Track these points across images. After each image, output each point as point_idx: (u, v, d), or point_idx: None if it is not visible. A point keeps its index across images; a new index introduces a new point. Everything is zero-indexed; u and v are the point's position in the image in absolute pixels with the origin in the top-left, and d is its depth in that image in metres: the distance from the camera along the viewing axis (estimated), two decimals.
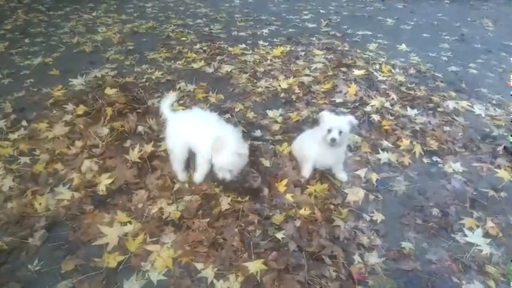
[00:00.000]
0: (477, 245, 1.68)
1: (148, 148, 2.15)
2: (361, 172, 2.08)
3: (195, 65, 3.14)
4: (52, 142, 2.21)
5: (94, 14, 4.25)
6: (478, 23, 4.30)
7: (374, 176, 2.05)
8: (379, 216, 1.82)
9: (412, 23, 4.28)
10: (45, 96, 2.68)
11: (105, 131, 2.29)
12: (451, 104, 2.68)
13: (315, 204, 1.86)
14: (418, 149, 2.25)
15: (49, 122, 2.38)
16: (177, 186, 1.94)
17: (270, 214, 1.80)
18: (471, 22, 4.34)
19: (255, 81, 2.96)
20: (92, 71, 3.03)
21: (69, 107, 2.51)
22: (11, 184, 1.93)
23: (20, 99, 2.67)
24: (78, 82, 2.85)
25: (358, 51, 3.48)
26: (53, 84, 2.80)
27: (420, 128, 2.43)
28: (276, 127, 2.44)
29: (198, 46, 3.48)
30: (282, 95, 2.80)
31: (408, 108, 2.62)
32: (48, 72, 3.01)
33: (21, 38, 3.62)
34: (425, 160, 2.20)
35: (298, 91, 2.84)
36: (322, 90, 2.83)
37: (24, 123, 2.38)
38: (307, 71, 3.09)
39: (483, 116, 2.60)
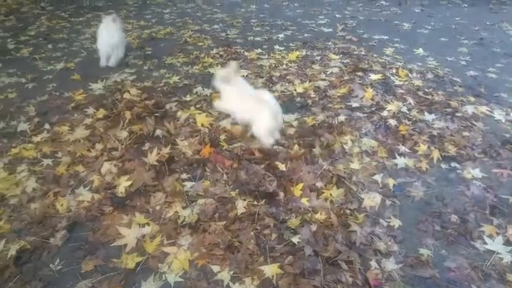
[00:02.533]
0: (497, 253, 1.65)
1: (166, 151, 2.19)
2: (378, 177, 2.07)
3: (211, 70, 3.17)
4: (73, 145, 2.27)
5: None
6: (497, 27, 4.22)
7: (391, 181, 2.04)
8: (396, 222, 1.80)
9: (430, 27, 4.23)
10: (67, 100, 2.76)
11: (124, 134, 2.34)
12: (469, 109, 2.64)
13: (331, 208, 1.86)
14: (435, 154, 2.23)
15: (70, 125, 2.45)
16: (190, 190, 1.96)
17: (286, 218, 1.81)
18: (490, 26, 4.26)
19: (271, 85, 2.97)
20: (112, 75, 3.09)
21: (90, 110, 2.58)
22: (34, 185, 1.98)
23: (43, 103, 2.74)
24: (98, 86, 2.92)
25: (374, 55, 3.47)
26: (75, 89, 2.88)
27: (438, 133, 2.40)
28: (291, 131, 2.45)
29: (214, 51, 3.52)
30: (298, 99, 2.80)
31: (426, 113, 2.60)
32: (70, 77, 3.09)
33: (45, 43, 3.73)
34: (443, 166, 2.17)
35: (314, 95, 2.84)
36: (338, 94, 2.83)
37: (47, 126, 2.45)
38: (323, 76, 3.09)
39: (503, 121, 2.55)
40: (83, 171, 2.09)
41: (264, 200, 1.88)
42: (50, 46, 3.67)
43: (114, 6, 4.78)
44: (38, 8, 4.70)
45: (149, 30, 4.03)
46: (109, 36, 3.20)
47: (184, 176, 2.05)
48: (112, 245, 1.67)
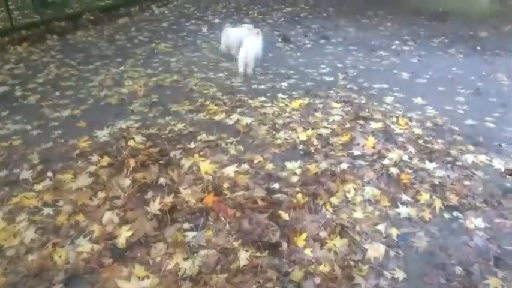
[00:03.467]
0: None
1: (169, 200, 2.19)
2: (381, 227, 2.06)
3: (216, 117, 3.23)
4: (76, 193, 2.28)
5: (121, 68, 4.48)
6: (493, 77, 4.34)
7: (394, 231, 2.02)
8: (400, 274, 1.77)
9: (427, 77, 4.35)
10: (71, 147, 2.79)
11: (128, 182, 2.35)
12: (469, 158, 2.67)
13: (335, 260, 1.84)
14: (438, 203, 2.22)
15: (74, 173, 2.46)
16: (192, 240, 1.94)
17: (289, 270, 1.78)
18: (486, 76, 4.37)
19: (274, 133, 3.02)
20: (117, 122, 3.15)
21: (94, 158, 2.60)
22: (33, 236, 1.97)
23: (47, 150, 2.78)
24: (103, 133, 2.97)
25: (374, 104, 3.54)
26: (80, 136, 2.92)
27: (439, 182, 2.41)
28: (294, 179, 2.46)
29: (219, 99, 3.60)
30: (301, 146, 2.84)
31: (427, 162, 2.61)
32: (76, 124, 3.15)
33: (52, 91, 3.83)
34: (446, 215, 2.17)
35: (317, 143, 2.88)
36: (340, 142, 2.87)
37: (49, 174, 2.47)
38: (325, 123, 3.15)
39: (503, 170, 2.56)
40: (83, 221, 2.08)
41: (267, 251, 1.86)
42: (57, 93, 3.77)
43: (122, 55, 4.95)
44: (47, 56, 4.86)
45: (156, 78, 4.15)
46: (255, 47, 4.27)
47: (186, 225, 2.05)
48: None
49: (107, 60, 4.74)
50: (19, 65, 4.52)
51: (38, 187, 2.35)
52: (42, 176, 2.46)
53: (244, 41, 4.29)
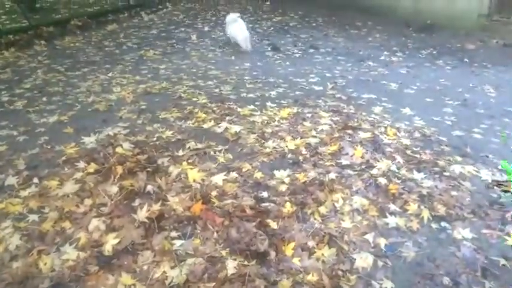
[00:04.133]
0: None
1: (156, 207, 2.17)
2: (369, 236, 2.06)
3: (205, 125, 3.22)
4: (62, 200, 2.24)
5: (110, 74, 4.45)
6: (480, 89, 4.41)
7: (382, 241, 2.03)
8: (388, 284, 1.77)
9: (415, 88, 4.41)
10: (58, 153, 2.75)
11: (115, 189, 2.32)
12: (457, 169, 2.70)
13: (323, 269, 1.83)
14: (426, 213, 2.24)
15: (60, 179, 2.42)
16: (180, 248, 1.92)
17: (277, 279, 1.77)
18: (473, 88, 4.45)
19: (263, 141, 3.02)
20: (105, 129, 3.12)
21: (81, 164, 2.56)
22: (18, 243, 1.93)
23: (33, 156, 2.73)
24: (90, 140, 2.93)
25: (363, 114, 3.57)
26: (67, 142, 2.88)
27: (427, 192, 2.43)
28: (283, 188, 2.46)
29: (208, 107, 3.59)
30: (289, 155, 2.84)
31: (414, 172, 2.64)
32: (63, 130, 3.11)
33: (39, 96, 3.78)
34: (433, 225, 2.18)
35: (305, 152, 2.88)
36: (329, 151, 2.88)
37: (35, 180, 2.42)
38: (313, 133, 3.16)
39: (490, 181, 2.60)
40: (69, 228, 2.04)
41: (255, 260, 1.85)
42: (44, 99, 3.72)
43: (111, 62, 4.92)
44: (34, 61, 4.80)
45: (145, 85, 4.12)
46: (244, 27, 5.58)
47: (173, 233, 2.02)
48: None
49: (95, 67, 4.71)
50: (6, 70, 4.46)
51: (24, 193, 2.31)
52: (28, 182, 2.42)
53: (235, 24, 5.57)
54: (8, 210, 2.16)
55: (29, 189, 2.35)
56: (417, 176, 2.60)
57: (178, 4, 7.57)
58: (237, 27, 5.55)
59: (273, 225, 2.11)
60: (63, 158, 2.68)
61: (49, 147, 2.86)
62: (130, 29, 6.62)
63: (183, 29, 6.73)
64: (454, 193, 2.44)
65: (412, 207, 2.29)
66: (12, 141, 2.94)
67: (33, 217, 2.11)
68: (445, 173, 2.65)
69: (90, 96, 3.77)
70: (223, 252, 1.90)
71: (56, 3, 7.62)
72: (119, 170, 2.48)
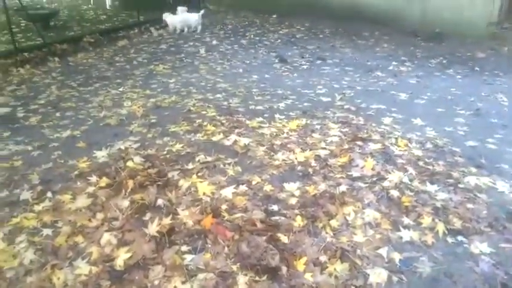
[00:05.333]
0: None
1: (167, 221, 2.17)
2: (383, 251, 2.03)
3: (214, 138, 3.23)
4: (74, 214, 2.26)
5: (121, 89, 4.51)
6: (493, 98, 4.36)
7: (396, 256, 1.99)
8: None
9: (426, 98, 4.37)
10: (70, 168, 2.78)
11: (126, 203, 2.33)
12: (472, 180, 2.65)
13: (336, 285, 1.80)
14: (441, 227, 2.19)
15: (73, 193, 2.45)
16: (191, 263, 1.91)
17: None
18: (485, 97, 4.40)
19: (272, 154, 3.01)
20: (116, 143, 3.14)
21: (93, 178, 2.59)
22: (32, 257, 1.94)
23: (47, 170, 2.76)
24: (102, 154, 2.96)
25: (373, 125, 3.55)
26: (79, 156, 2.92)
27: (442, 205, 2.39)
28: (293, 201, 2.44)
29: (217, 119, 3.61)
30: (299, 168, 2.83)
31: (428, 184, 2.60)
32: (76, 145, 3.15)
33: (53, 112, 3.84)
34: (449, 239, 2.13)
35: (315, 164, 2.87)
36: (339, 163, 2.86)
37: (49, 194, 2.45)
38: (323, 144, 3.14)
39: (507, 193, 2.55)
40: (82, 242, 2.05)
41: (266, 275, 1.83)
42: (58, 114, 3.77)
43: (122, 77, 4.98)
44: (48, 77, 4.89)
45: (154, 99, 4.17)
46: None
47: (184, 248, 2.02)
48: None
49: (106, 82, 4.78)
50: (21, 86, 4.54)
51: (38, 208, 2.33)
52: (42, 197, 2.44)
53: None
54: (23, 224, 2.18)
55: (43, 203, 2.37)
56: (431, 188, 2.56)
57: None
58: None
59: (284, 239, 2.09)
60: (76, 172, 2.71)
61: (62, 161, 2.89)
62: (141, 44, 6.72)
63: (191, 43, 6.81)
64: (469, 206, 2.39)
65: (427, 220, 2.25)
66: (27, 156, 2.98)
67: (47, 231, 2.12)
68: (459, 185, 2.60)
69: (102, 111, 3.81)
70: (234, 267, 1.88)
71: (69, 21, 7.78)
72: (130, 184, 2.50)
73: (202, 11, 7.69)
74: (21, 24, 7.16)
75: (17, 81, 4.69)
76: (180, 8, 7.62)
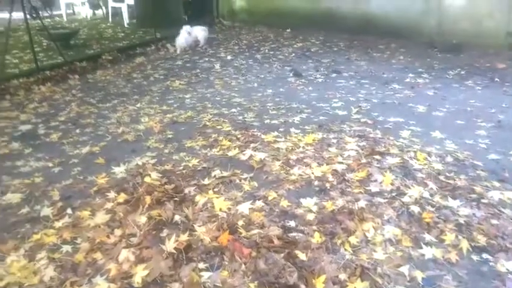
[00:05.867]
0: None
1: (184, 238, 2.16)
2: (404, 269, 1.97)
3: (229, 153, 3.24)
4: (93, 230, 2.28)
5: (138, 105, 4.58)
6: None
7: (419, 274, 1.93)
8: None
9: (445, 110, 4.30)
10: (90, 184, 2.82)
11: (144, 219, 2.34)
12: (495, 195, 2.57)
13: None
14: (465, 244, 2.12)
15: (92, 209, 2.48)
16: (208, 281, 1.89)
17: None
18: (507, 108, 4.29)
19: (288, 168, 2.99)
20: (134, 159, 3.18)
21: (111, 194, 2.62)
22: (52, 274, 1.96)
23: (67, 187, 2.81)
24: (120, 170, 3.00)
25: (390, 138, 3.50)
26: (98, 172, 2.96)
27: (465, 221, 2.32)
28: (310, 217, 2.41)
29: (232, 134, 3.62)
30: (316, 183, 2.80)
31: (449, 199, 2.53)
32: (95, 161, 3.19)
33: (73, 128, 3.92)
34: (474, 257, 2.06)
35: (332, 179, 2.83)
36: (357, 178, 2.82)
37: (69, 211, 2.49)
38: (340, 159, 3.11)
39: None
40: (100, 259, 2.06)
41: None
42: (77, 131, 3.84)
43: (139, 93, 5.07)
44: (69, 95, 5.01)
45: (171, 115, 4.21)
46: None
47: (201, 265, 2.00)
48: None
49: (124, 98, 4.86)
50: (43, 104, 4.66)
51: (58, 224, 2.36)
52: (62, 213, 2.48)
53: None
54: (43, 241, 2.21)
55: (63, 219, 2.40)
56: (453, 203, 2.49)
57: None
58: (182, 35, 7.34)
59: (302, 256, 2.06)
60: (95, 188, 2.75)
61: (82, 177, 2.93)
62: (157, 61, 6.84)
63: (206, 59, 6.90)
64: (494, 222, 2.31)
65: (449, 237, 2.19)
66: (48, 173, 3.03)
67: (67, 248, 2.14)
68: (482, 200, 2.53)
69: (120, 127, 3.87)
70: (252, 285, 1.86)
71: (88, 40, 7.99)
72: (148, 200, 2.51)
73: (204, 27, 7.79)
74: (43, 44, 7.39)
75: (38, 99, 4.82)
76: (184, 28, 7.49)
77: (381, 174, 2.81)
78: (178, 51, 7.21)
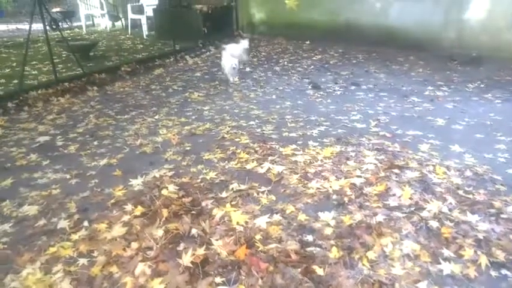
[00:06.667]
0: None
1: (201, 252, 2.17)
2: (423, 285, 1.94)
3: (247, 166, 3.24)
4: (110, 243, 2.30)
5: (156, 117, 4.64)
6: None
7: None
8: None
9: (464, 123, 4.23)
10: (107, 196, 2.86)
11: (160, 232, 2.36)
12: None
13: None
14: (483, 260, 2.08)
15: (109, 222, 2.50)
16: None
17: None
18: None
19: (306, 182, 2.98)
20: (151, 171, 3.21)
21: (128, 207, 2.65)
22: (68, 287, 1.98)
23: (84, 199, 2.85)
24: (137, 182, 3.03)
25: (409, 151, 3.46)
26: (115, 185, 3.00)
27: (484, 236, 2.27)
28: (328, 231, 2.39)
29: (250, 147, 3.63)
30: (334, 196, 2.78)
31: (468, 214, 2.48)
32: (112, 173, 3.24)
33: (91, 140, 3.98)
34: (493, 273, 2.02)
35: (350, 193, 2.81)
36: (375, 192, 2.79)
37: (86, 223, 2.52)
38: (358, 172, 3.08)
39: None
40: (116, 272, 2.08)
41: None
42: (95, 143, 3.91)
43: (157, 104, 5.14)
44: (87, 106, 5.11)
45: (189, 127, 4.26)
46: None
47: (218, 279, 2.00)
48: None
49: (142, 110, 4.94)
50: (61, 115, 4.76)
51: (75, 237, 2.39)
52: (78, 226, 2.51)
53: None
54: (60, 254, 2.24)
55: (80, 232, 2.43)
56: (471, 218, 2.44)
57: (219, 47, 7.86)
58: (226, 58, 6.24)
59: (319, 271, 2.04)
60: (112, 200, 2.78)
61: (99, 190, 2.97)
62: (176, 72, 6.94)
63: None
64: None
65: (468, 252, 2.14)
66: (65, 184, 3.08)
67: (83, 261, 2.17)
68: (502, 215, 2.47)
69: (138, 139, 3.93)
70: None
71: (107, 51, 8.17)
72: (165, 213, 2.53)
73: (244, 40, 6.94)
74: (62, 55, 7.58)
75: (57, 110, 4.93)
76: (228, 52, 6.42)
77: (399, 188, 2.78)
78: (231, 80, 6.17)
